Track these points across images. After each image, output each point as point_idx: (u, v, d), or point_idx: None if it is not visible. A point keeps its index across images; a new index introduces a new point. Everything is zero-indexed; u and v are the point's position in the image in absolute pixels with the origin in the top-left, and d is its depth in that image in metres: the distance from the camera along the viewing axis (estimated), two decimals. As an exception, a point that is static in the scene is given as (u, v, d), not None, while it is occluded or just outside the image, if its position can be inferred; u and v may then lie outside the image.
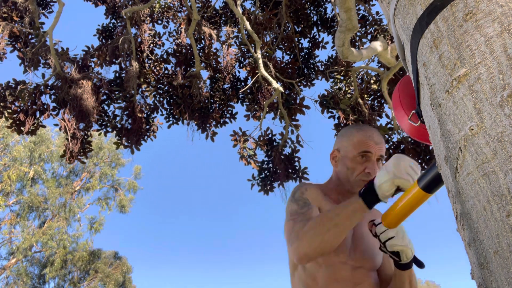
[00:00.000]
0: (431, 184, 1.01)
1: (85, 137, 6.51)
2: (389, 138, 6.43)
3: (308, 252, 1.13)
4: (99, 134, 6.88)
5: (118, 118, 6.69)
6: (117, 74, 6.81)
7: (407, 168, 1.06)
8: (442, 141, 0.64)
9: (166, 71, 7.14)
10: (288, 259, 1.39)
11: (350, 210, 1.10)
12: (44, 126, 6.50)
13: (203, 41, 7.07)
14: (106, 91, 6.64)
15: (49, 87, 6.33)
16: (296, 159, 6.51)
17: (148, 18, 7.25)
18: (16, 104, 6.11)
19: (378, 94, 6.80)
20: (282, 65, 6.79)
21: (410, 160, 1.08)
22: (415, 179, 1.04)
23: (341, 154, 1.41)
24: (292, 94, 6.86)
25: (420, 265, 1.22)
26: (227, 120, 7.09)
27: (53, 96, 6.32)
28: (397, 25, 0.80)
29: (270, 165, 6.63)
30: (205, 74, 11.10)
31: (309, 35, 7.03)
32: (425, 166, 6.07)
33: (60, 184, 19.79)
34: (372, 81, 6.82)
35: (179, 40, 7.14)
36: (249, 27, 5.75)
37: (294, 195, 1.38)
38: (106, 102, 6.70)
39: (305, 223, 1.21)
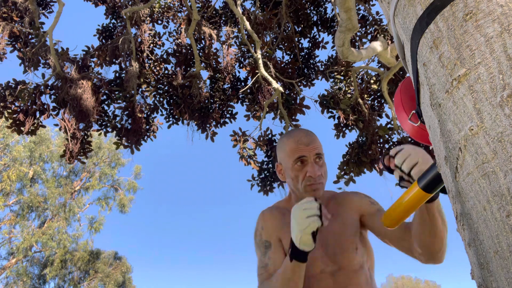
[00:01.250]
0: (431, 184, 1.01)
1: (85, 137, 6.51)
2: (389, 138, 6.43)
3: None
4: (99, 134, 6.88)
5: (118, 118, 6.69)
6: (117, 74, 6.81)
7: (303, 215, 1.06)
8: (442, 141, 0.64)
9: (166, 71, 7.14)
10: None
11: (289, 273, 1.12)
12: (44, 126, 6.50)
13: (203, 41, 7.07)
14: (106, 91, 6.64)
15: (49, 87, 6.33)
16: (296, 159, 6.51)
17: (148, 18, 7.25)
18: (16, 104, 6.11)
19: (378, 94, 6.80)
20: (282, 65, 6.79)
21: (302, 204, 1.09)
22: (317, 213, 1.06)
23: (283, 167, 1.39)
24: (292, 94, 6.86)
25: (446, 190, 1.09)
26: (227, 120, 7.09)
27: (53, 96, 6.32)
28: (397, 25, 0.80)
29: (270, 165, 6.63)
30: (205, 74, 11.10)
31: (309, 35, 7.03)
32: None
33: (60, 184, 19.79)
34: (372, 81, 6.82)
35: (179, 40, 7.14)
36: (249, 27, 5.75)
37: (255, 237, 1.38)
38: (106, 102, 6.70)
39: (267, 284, 1.24)
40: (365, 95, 6.79)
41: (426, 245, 1.12)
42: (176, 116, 6.85)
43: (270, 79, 5.69)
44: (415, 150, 1.00)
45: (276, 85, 5.66)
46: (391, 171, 1.07)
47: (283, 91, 5.90)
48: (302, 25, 6.89)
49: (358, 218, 1.34)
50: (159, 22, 7.47)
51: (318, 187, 1.29)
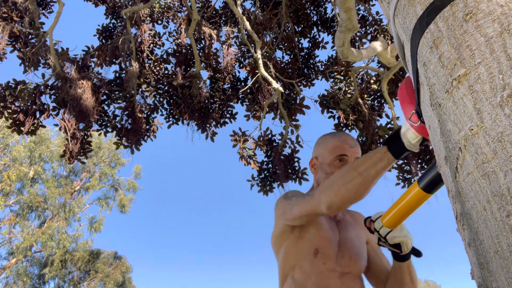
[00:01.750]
0: (431, 184, 1.01)
1: (85, 137, 6.51)
2: (389, 138, 6.42)
3: (334, 200, 1.12)
4: (99, 134, 6.88)
5: (118, 118, 6.69)
6: (117, 74, 6.81)
7: None
8: (442, 141, 0.64)
9: (166, 71, 7.14)
10: (278, 271, 1.41)
11: (375, 158, 1.08)
12: (44, 126, 6.50)
13: (203, 41, 7.07)
14: (106, 91, 6.63)
15: (49, 87, 6.33)
16: (296, 159, 6.51)
17: (148, 18, 7.25)
18: (16, 104, 6.11)
19: (378, 94, 6.80)
20: (282, 65, 6.79)
21: None
22: None
23: (319, 161, 1.44)
24: (292, 94, 6.86)
25: (418, 254, 1.24)
26: (227, 120, 7.09)
27: (53, 96, 6.31)
28: (397, 25, 0.80)
29: (270, 165, 6.63)
30: (205, 74, 11.10)
31: (309, 35, 7.03)
32: (425, 166, 6.08)
33: (60, 184, 19.79)
34: (372, 81, 6.82)
35: (179, 40, 7.14)
36: (249, 27, 5.75)
37: (286, 195, 1.40)
38: (106, 102, 6.70)
39: (308, 194, 1.24)
40: (365, 95, 6.79)
41: None
42: (176, 116, 6.85)
43: (270, 79, 5.69)
44: None
45: (276, 85, 5.66)
46: (371, 232, 1.20)
47: (283, 91, 5.89)
48: (302, 25, 6.89)
49: (366, 239, 1.44)
50: (159, 22, 7.47)
51: None
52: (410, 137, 1.01)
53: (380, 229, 1.16)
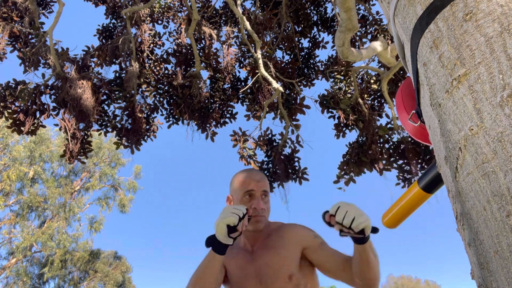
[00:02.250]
0: (431, 184, 1.02)
1: (85, 137, 6.51)
2: (389, 138, 6.43)
3: None
4: (99, 134, 6.87)
5: (118, 118, 6.69)
6: (117, 74, 6.81)
7: (230, 210, 1.25)
8: (442, 141, 0.64)
9: (166, 71, 7.14)
10: None
11: (206, 261, 1.33)
12: (44, 126, 6.50)
13: (203, 41, 7.06)
14: (106, 91, 6.63)
15: (49, 87, 6.33)
16: (296, 159, 6.51)
17: (148, 18, 7.25)
18: (16, 104, 6.11)
19: (378, 94, 6.80)
20: (282, 65, 6.79)
21: (236, 206, 1.28)
22: (239, 214, 1.22)
23: (233, 199, 1.57)
24: (292, 94, 6.86)
25: (375, 230, 1.26)
26: (227, 120, 7.09)
27: (53, 96, 6.31)
28: (397, 25, 0.80)
29: (270, 165, 6.63)
30: (205, 74, 11.10)
31: (309, 35, 7.03)
32: (425, 166, 6.07)
33: (60, 184, 19.79)
34: (372, 81, 6.82)
35: (179, 40, 7.14)
36: (249, 27, 5.75)
37: None
38: (106, 102, 6.69)
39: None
40: (365, 95, 6.79)
41: (364, 276, 1.32)
42: (176, 116, 6.84)
43: (270, 79, 5.69)
44: (350, 207, 1.21)
45: (276, 85, 5.66)
46: (331, 226, 1.27)
47: (283, 91, 5.89)
48: (302, 25, 6.89)
49: (300, 250, 1.49)
50: (159, 22, 7.47)
51: (261, 219, 1.46)
52: (218, 231, 1.23)
53: (344, 220, 1.19)
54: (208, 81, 7.12)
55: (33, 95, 6.10)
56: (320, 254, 1.47)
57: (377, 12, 6.77)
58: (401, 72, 6.23)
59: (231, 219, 1.22)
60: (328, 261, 1.44)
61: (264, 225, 1.49)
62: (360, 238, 1.24)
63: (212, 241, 1.29)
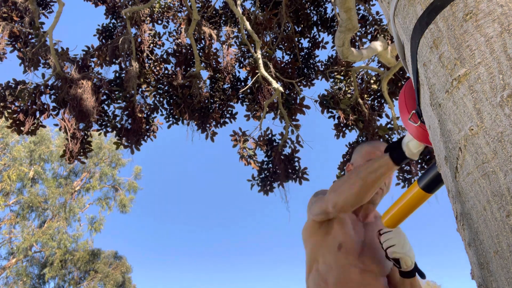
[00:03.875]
0: (431, 184, 1.02)
1: (85, 137, 6.50)
2: (389, 138, 6.43)
3: (338, 201, 1.24)
4: (99, 134, 6.87)
5: (118, 118, 6.69)
6: (117, 74, 6.80)
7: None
8: (442, 141, 0.64)
9: (166, 71, 7.14)
10: (306, 263, 1.50)
11: (377, 164, 1.16)
12: (44, 126, 6.50)
13: (203, 41, 7.06)
14: (106, 91, 6.63)
15: (49, 87, 6.33)
16: (296, 159, 6.51)
17: (148, 18, 7.25)
18: (16, 104, 6.11)
19: (378, 94, 6.80)
20: (282, 65, 6.79)
21: None
22: None
23: (353, 166, 1.54)
24: (292, 94, 6.86)
25: (422, 275, 1.32)
26: (227, 120, 7.09)
27: (53, 96, 6.31)
28: (397, 25, 0.80)
29: (270, 165, 6.63)
30: (205, 74, 11.10)
31: (309, 35, 7.03)
32: (425, 166, 6.07)
33: (60, 184, 19.79)
34: (372, 81, 6.82)
35: (179, 40, 7.14)
36: (249, 27, 5.75)
37: (316, 192, 1.53)
38: (106, 102, 6.69)
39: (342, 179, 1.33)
40: (365, 95, 6.79)
41: None
42: (176, 116, 6.84)
43: (270, 79, 5.69)
44: (398, 235, 1.24)
45: (276, 85, 5.66)
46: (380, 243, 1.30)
47: (283, 91, 5.89)
48: (302, 25, 6.89)
49: None
50: (159, 22, 7.47)
51: (380, 192, 1.45)
52: (412, 146, 1.07)
53: (385, 242, 1.24)
54: (208, 81, 7.12)
55: (33, 95, 6.10)
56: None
57: (377, 12, 6.77)
58: (401, 72, 6.23)
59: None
60: (395, 272, 1.46)
61: (379, 199, 1.48)
62: (399, 269, 1.28)
63: (393, 147, 1.14)
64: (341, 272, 1.34)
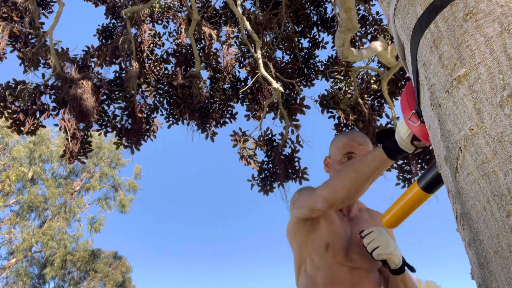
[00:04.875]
0: (431, 184, 1.02)
1: (85, 137, 6.50)
2: (389, 138, 6.42)
3: (329, 197, 1.18)
4: (99, 134, 6.87)
5: (118, 118, 6.69)
6: (117, 74, 6.80)
7: None
8: (442, 141, 0.64)
9: (166, 71, 7.14)
10: (294, 264, 1.47)
11: (370, 157, 1.09)
12: (44, 126, 6.50)
13: (203, 41, 7.06)
14: (106, 91, 6.63)
15: (49, 87, 6.33)
16: (296, 159, 6.51)
17: (148, 18, 7.25)
18: (16, 104, 6.11)
19: (378, 94, 6.80)
20: (282, 65, 6.79)
21: None
22: None
23: (331, 160, 1.50)
24: (292, 94, 6.86)
25: (412, 269, 1.30)
26: (227, 120, 7.09)
27: (53, 96, 6.31)
28: (397, 25, 0.80)
29: (270, 165, 6.63)
30: (205, 74, 11.10)
31: (309, 35, 7.03)
32: (425, 166, 6.07)
33: (60, 184, 19.78)
34: (372, 81, 6.82)
35: (179, 40, 7.14)
36: (249, 27, 5.75)
37: (300, 189, 1.47)
38: (106, 102, 6.69)
39: (316, 188, 1.28)
40: (365, 95, 6.79)
41: None
42: (176, 116, 6.84)
43: (270, 79, 5.69)
44: (381, 235, 1.20)
45: (276, 85, 5.66)
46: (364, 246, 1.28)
47: (283, 91, 5.89)
48: (302, 25, 6.89)
49: None
50: (159, 22, 7.47)
51: None
52: (401, 132, 1.01)
53: (368, 245, 1.21)
54: (208, 81, 7.12)
55: (33, 95, 6.10)
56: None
57: (377, 12, 6.77)
58: (401, 72, 6.23)
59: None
60: (384, 269, 1.44)
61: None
62: (389, 268, 1.27)
63: (386, 137, 1.08)
64: (329, 272, 1.32)
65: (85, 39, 8.21)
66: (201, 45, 7.11)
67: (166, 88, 6.90)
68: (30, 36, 6.45)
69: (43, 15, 6.73)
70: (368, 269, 1.35)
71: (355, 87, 6.39)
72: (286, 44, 6.96)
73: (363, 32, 6.78)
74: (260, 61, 5.78)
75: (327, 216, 1.39)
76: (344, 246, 1.35)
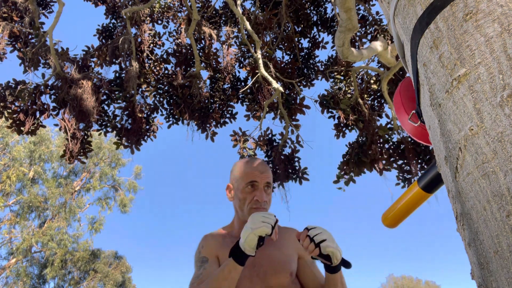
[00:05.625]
0: (431, 184, 1.02)
1: (85, 137, 6.50)
2: (389, 138, 6.43)
3: None
4: (99, 134, 6.87)
5: (118, 118, 6.69)
6: (117, 74, 6.81)
7: (260, 219, 1.20)
8: (442, 141, 0.64)
9: (166, 71, 7.14)
10: None
11: (225, 272, 1.22)
12: (44, 126, 6.50)
13: (203, 41, 7.06)
14: (106, 91, 6.63)
15: (49, 87, 6.33)
16: (296, 159, 6.51)
17: (148, 18, 7.25)
18: (16, 104, 6.11)
19: (378, 94, 6.80)
20: (282, 65, 6.79)
21: (263, 213, 1.24)
22: (271, 223, 1.17)
23: (234, 188, 1.53)
24: (292, 94, 6.86)
25: (347, 265, 1.28)
26: (227, 120, 7.09)
27: (53, 96, 6.31)
28: (397, 25, 0.80)
29: (270, 165, 6.63)
30: (205, 74, 11.10)
31: (309, 35, 7.03)
32: (425, 166, 6.07)
33: (60, 184, 19.78)
34: (372, 81, 6.82)
35: (179, 40, 7.14)
36: (249, 27, 5.75)
37: (195, 256, 1.51)
38: (106, 102, 6.69)
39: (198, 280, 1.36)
40: (365, 95, 6.79)
41: None
42: (176, 116, 6.84)
43: (270, 79, 5.68)
44: (326, 232, 1.24)
45: (276, 85, 5.66)
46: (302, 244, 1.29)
47: (283, 91, 5.89)
48: (302, 25, 6.89)
49: (297, 256, 1.47)
50: (159, 22, 7.47)
51: (261, 211, 1.41)
52: (248, 243, 1.16)
53: (316, 236, 1.21)
54: (208, 81, 7.12)
55: (33, 95, 6.11)
56: (309, 269, 1.46)
57: (377, 12, 6.77)
58: (401, 72, 6.23)
59: (264, 230, 1.17)
60: (311, 280, 1.43)
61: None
62: (329, 266, 1.26)
63: (234, 251, 1.22)
64: None
65: (85, 39, 8.22)
66: (201, 45, 7.11)
67: (166, 88, 6.90)
68: (30, 36, 6.45)
69: (43, 15, 6.73)
70: (278, 285, 1.36)
71: (355, 87, 6.39)
72: (286, 44, 6.96)
73: (363, 32, 6.78)
74: (260, 61, 5.77)
75: (223, 260, 1.43)
76: (247, 273, 1.36)
